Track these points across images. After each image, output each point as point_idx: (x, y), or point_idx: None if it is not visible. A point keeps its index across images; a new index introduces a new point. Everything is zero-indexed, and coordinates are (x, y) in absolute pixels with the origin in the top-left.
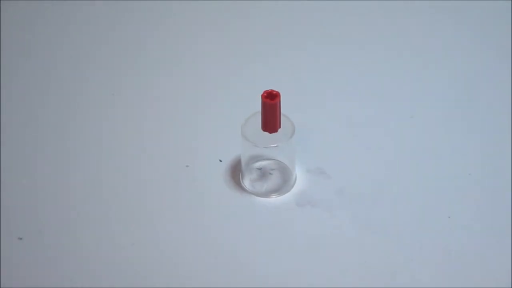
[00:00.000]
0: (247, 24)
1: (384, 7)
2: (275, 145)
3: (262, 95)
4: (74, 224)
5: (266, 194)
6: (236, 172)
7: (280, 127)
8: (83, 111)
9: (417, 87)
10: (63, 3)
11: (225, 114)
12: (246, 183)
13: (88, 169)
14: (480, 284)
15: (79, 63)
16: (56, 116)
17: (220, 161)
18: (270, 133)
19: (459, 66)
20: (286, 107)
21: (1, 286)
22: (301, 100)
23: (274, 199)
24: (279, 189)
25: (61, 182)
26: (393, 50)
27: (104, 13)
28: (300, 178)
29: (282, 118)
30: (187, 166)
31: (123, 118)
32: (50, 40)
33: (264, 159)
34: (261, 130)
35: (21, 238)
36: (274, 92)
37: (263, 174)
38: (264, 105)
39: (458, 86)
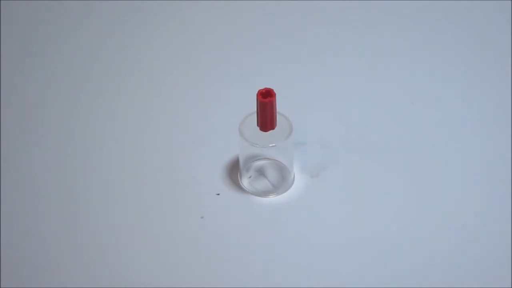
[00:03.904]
0: (245, 23)
1: (383, 7)
2: (273, 144)
3: (257, 93)
4: (74, 224)
5: (265, 193)
6: (234, 171)
7: (276, 125)
8: (82, 110)
9: (416, 86)
10: (65, 2)
11: (223, 114)
12: (245, 182)
13: (87, 169)
14: (480, 284)
15: (77, 64)
16: (55, 116)
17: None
18: (265, 131)
19: (459, 66)
20: (284, 107)
21: (1, 286)
22: (299, 100)
23: (272, 198)
24: (277, 189)
25: (61, 182)
26: (392, 49)
27: (98, 17)
28: (298, 177)
29: (280, 118)
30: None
31: (120, 119)
32: (50, 41)
33: (262, 159)
34: (259, 130)
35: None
36: (270, 90)
37: (261, 173)
38: (259, 103)
39: (458, 86)
